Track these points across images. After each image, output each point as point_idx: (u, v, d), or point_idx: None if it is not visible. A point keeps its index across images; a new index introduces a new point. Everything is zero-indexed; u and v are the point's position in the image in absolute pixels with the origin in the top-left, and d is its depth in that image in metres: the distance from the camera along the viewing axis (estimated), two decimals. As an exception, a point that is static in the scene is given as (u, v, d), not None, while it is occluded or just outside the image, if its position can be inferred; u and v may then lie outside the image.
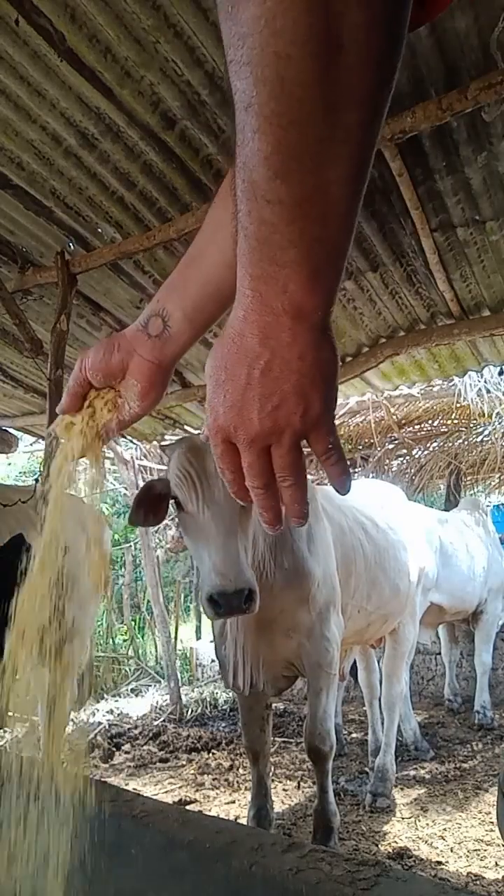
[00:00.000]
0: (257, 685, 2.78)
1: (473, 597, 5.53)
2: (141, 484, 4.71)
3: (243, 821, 3.13)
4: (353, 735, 5.35)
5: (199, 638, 8.17)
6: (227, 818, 2.37)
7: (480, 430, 7.10)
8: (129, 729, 5.55)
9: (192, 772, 4.57)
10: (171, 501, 2.35)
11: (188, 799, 4.03)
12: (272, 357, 0.58)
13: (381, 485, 4.56)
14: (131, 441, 5.76)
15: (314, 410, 0.60)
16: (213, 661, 6.73)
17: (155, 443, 5.54)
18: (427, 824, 3.54)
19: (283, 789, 4.08)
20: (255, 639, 2.73)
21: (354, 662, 5.22)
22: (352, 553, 3.23)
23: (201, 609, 3.11)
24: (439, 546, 5.19)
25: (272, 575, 2.72)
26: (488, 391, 6.13)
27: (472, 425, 7.06)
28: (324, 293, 0.56)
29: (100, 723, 5.67)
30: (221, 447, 0.67)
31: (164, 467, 2.58)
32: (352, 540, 3.26)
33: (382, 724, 4.29)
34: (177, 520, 2.92)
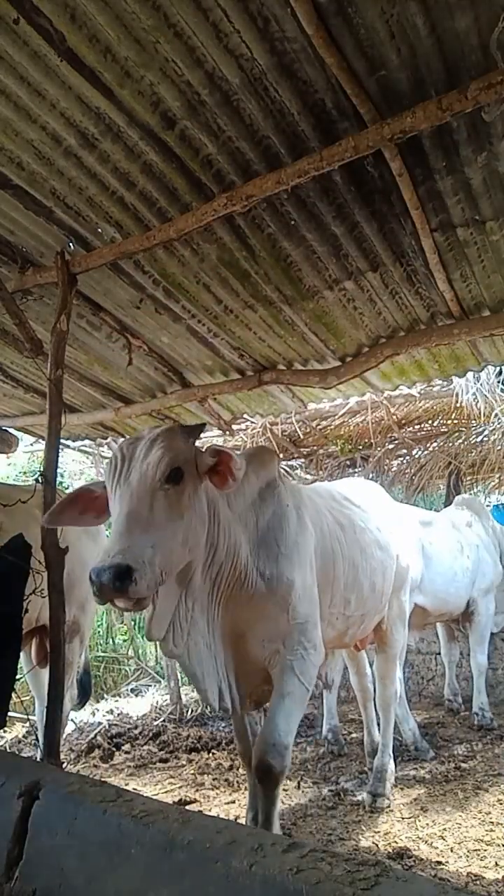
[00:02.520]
0: (239, 700, 2.62)
1: (457, 598, 5.48)
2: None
3: (243, 821, 3.13)
4: (353, 735, 5.35)
5: (199, 638, 8.16)
6: (227, 818, 2.37)
7: (480, 430, 7.10)
8: (129, 729, 5.55)
9: (192, 772, 4.57)
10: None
11: (188, 799, 4.04)
12: None
13: (361, 483, 4.54)
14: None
15: None
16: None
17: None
18: (427, 824, 3.54)
19: (283, 789, 4.07)
20: (232, 650, 2.59)
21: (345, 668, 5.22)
22: (331, 557, 3.12)
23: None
24: (422, 548, 5.18)
25: (253, 583, 2.60)
26: (485, 395, 6.12)
27: (471, 425, 7.06)
28: None
29: (100, 723, 5.67)
30: None
31: None
32: (331, 543, 3.17)
33: (378, 725, 4.28)
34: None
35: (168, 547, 2.12)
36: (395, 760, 4.15)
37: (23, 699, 3.91)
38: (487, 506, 6.58)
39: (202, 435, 2.70)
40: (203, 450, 2.43)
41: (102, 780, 2.65)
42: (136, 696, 6.99)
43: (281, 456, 7.86)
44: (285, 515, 2.83)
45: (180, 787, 4.26)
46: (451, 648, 6.17)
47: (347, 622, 3.32)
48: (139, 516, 2.08)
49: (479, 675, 5.58)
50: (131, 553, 1.95)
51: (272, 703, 2.65)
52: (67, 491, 3.19)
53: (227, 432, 5.34)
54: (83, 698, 4.71)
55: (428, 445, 7.71)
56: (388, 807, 3.79)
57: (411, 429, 7.46)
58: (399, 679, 4.95)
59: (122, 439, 2.35)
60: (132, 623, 8.27)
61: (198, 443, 2.58)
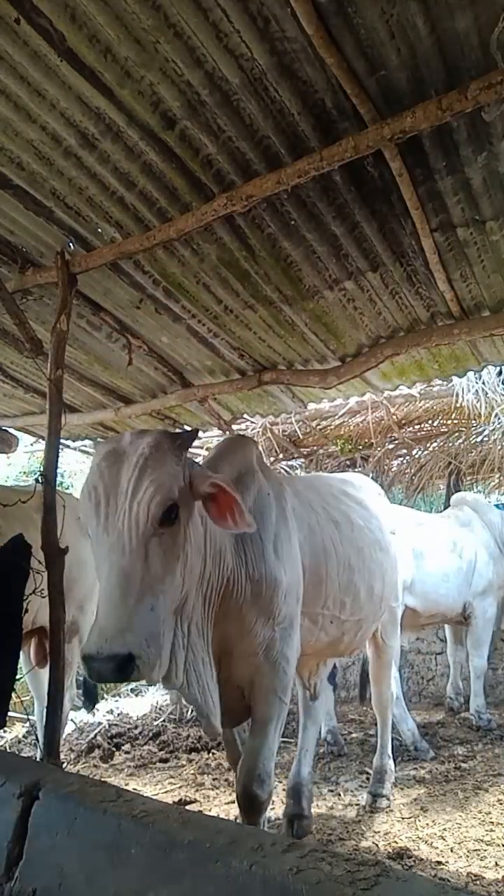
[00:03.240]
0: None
1: (449, 600, 5.41)
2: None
3: (241, 820, 3.13)
4: (353, 735, 5.35)
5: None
6: (227, 818, 2.37)
7: (480, 430, 7.09)
8: (129, 729, 5.55)
9: (192, 772, 4.57)
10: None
11: (188, 799, 4.04)
12: None
13: (359, 478, 4.29)
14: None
15: None
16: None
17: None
18: (427, 824, 3.54)
19: (283, 789, 4.07)
20: (218, 670, 2.34)
21: (334, 667, 5.17)
22: (322, 555, 2.89)
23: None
24: (412, 548, 5.17)
25: (242, 589, 2.36)
26: (486, 393, 6.12)
27: (471, 425, 7.05)
28: None
29: (100, 723, 5.67)
30: None
31: None
32: (323, 540, 2.93)
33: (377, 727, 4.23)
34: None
35: (169, 601, 1.90)
36: (394, 760, 4.15)
37: (23, 699, 3.91)
38: (495, 505, 6.44)
39: (203, 435, 2.60)
40: (199, 469, 2.14)
41: (102, 780, 2.66)
42: (136, 695, 6.99)
43: (280, 455, 7.85)
44: (266, 506, 2.59)
45: (180, 787, 4.26)
46: (457, 650, 6.10)
47: (342, 627, 3.09)
48: (133, 575, 1.78)
49: (477, 677, 5.57)
50: (132, 636, 1.70)
51: (254, 729, 2.46)
52: (68, 491, 3.19)
53: (227, 432, 5.34)
54: (91, 702, 4.72)
55: (428, 445, 7.71)
56: (388, 807, 3.79)
57: (411, 429, 7.46)
58: (396, 679, 4.94)
59: (101, 449, 2.02)
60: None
61: (197, 442, 2.53)
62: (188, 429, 3.61)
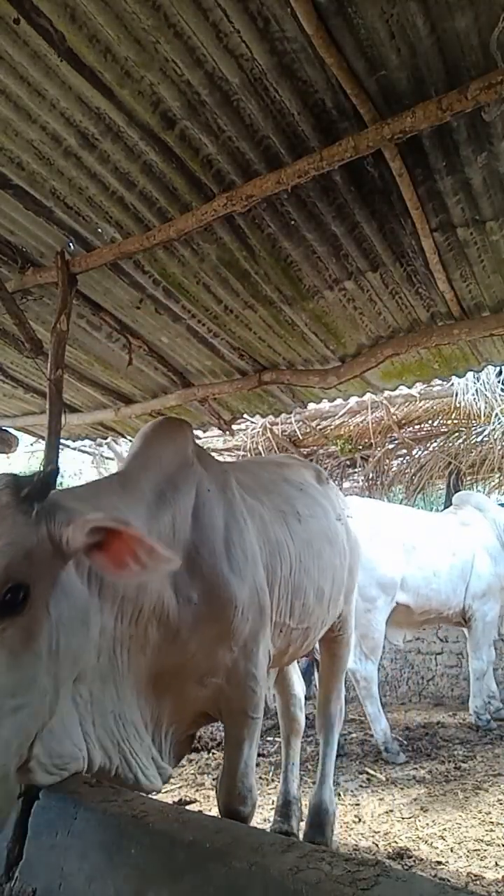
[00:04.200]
0: (173, 759, 2.01)
1: (441, 597, 5.35)
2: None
3: (243, 821, 3.13)
4: (353, 735, 5.35)
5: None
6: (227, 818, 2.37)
7: (480, 430, 7.10)
8: (129, 729, 5.54)
9: (192, 772, 4.58)
10: None
11: (188, 799, 4.04)
12: None
13: (294, 460, 3.72)
14: (131, 441, 5.77)
15: None
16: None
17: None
18: (427, 824, 3.54)
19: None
20: (157, 695, 1.95)
21: (311, 663, 5.04)
22: (276, 552, 2.46)
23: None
24: (404, 545, 5.15)
25: (176, 617, 1.92)
26: (485, 395, 6.12)
27: (471, 425, 7.06)
28: None
29: (100, 723, 5.66)
30: None
31: None
32: (276, 536, 2.50)
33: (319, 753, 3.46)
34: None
35: (37, 713, 1.41)
36: (366, 760, 4.08)
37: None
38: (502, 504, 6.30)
39: (203, 435, 2.37)
40: (65, 512, 1.52)
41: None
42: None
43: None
44: (208, 504, 2.13)
45: (180, 787, 4.26)
46: (473, 659, 5.85)
47: (289, 638, 2.61)
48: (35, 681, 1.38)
49: (476, 679, 5.57)
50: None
51: (228, 749, 2.20)
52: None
53: (227, 432, 5.34)
54: None
55: (428, 445, 7.73)
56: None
57: (411, 429, 7.47)
58: (373, 679, 4.91)
59: None
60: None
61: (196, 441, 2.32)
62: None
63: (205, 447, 2.41)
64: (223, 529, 2.13)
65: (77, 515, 1.49)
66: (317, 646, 3.43)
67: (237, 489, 2.39)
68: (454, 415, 6.93)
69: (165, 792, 4.17)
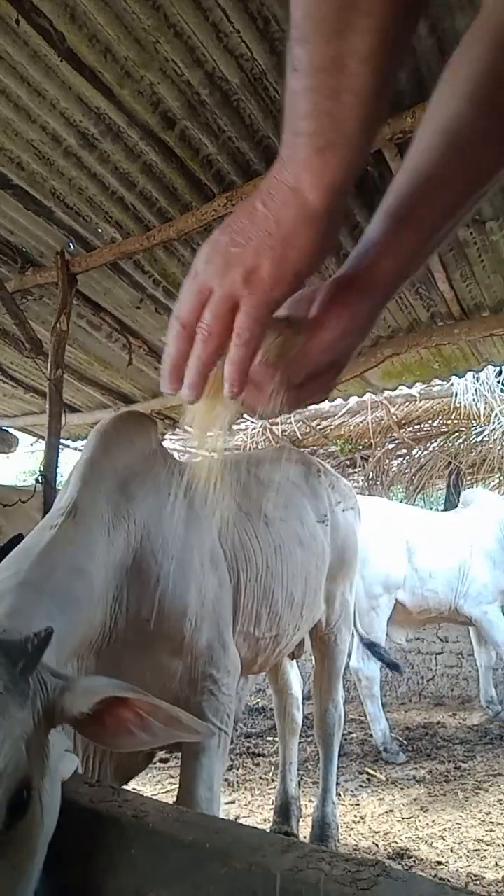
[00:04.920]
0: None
1: (439, 596, 5.30)
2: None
3: (243, 821, 3.13)
4: (353, 735, 5.35)
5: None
6: (227, 818, 2.37)
7: (480, 430, 7.11)
8: (129, 729, 5.54)
9: (192, 772, 4.56)
10: None
11: (188, 799, 4.02)
12: (256, 215, 0.59)
13: (274, 454, 3.41)
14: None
15: (258, 274, 0.59)
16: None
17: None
18: (427, 824, 3.54)
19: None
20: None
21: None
22: (242, 558, 2.33)
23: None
24: (405, 543, 5.15)
25: (121, 637, 1.70)
26: (485, 395, 6.12)
27: (471, 425, 7.06)
28: (324, 174, 0.55)
29: (100, 723, 5.66)
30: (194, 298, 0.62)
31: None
32: (241, 538, 2.36)
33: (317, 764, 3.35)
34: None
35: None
36: (366, 760, 4.06)
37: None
38: None
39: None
40: (64, 687, 1.21)
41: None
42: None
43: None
44: (168, 509, 1.95)
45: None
46: (481, 652, 5.83)
47: (256, 647, 2.46)
48: None
49: (487, 669, 5.60)
50: None
51: (184, 766, 1.90)
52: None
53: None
54: None
55: (428, 445, 7.73)
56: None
57: (411, 429, 7.47)
58: (375, 678, 4.90)
59: None
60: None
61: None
62: (190, 429, 2.70)
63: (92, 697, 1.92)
64: (182, 535, 1.96)
65: (76, 686, 1.22)
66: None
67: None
68: (454, 415, 6.94)
69: (165, 792, 4.17)
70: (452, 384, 6.21)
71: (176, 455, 2.53)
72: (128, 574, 1.72)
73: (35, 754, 1.17)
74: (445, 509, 7.33)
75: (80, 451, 7.34)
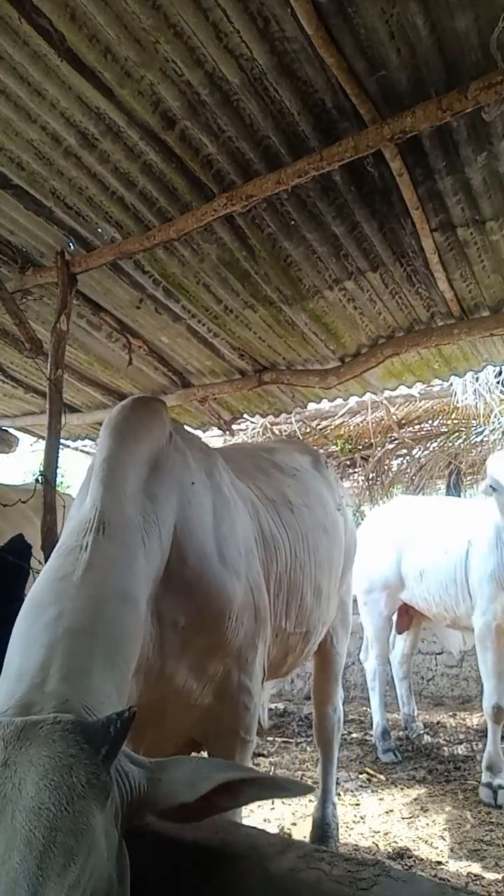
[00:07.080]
0: None
1: (436, 596, 5.21)
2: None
3: (244, 821, 3.13)
4: (353, 735, 5.35)
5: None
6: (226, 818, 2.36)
7: (480, 430, 7.11)
8: (129, 729, 5.54)
9: (192, 772, 4.57)
10: None
11: (188, 799, 4.03)
12: None
13: (286, 444, 3.45)
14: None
15: None
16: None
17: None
18: (427, 824, 3.54)
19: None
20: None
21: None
22: (272, 547, 2.17)
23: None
24: (399, 540, 5.12)
25: (159, 652, 1.56)
26: (484, 395, 6.12)
27: (471, 425, 7.07)
28: None
29: (100, 723, 5.65)
30: None
31: None
32: (269, 527, 2.20)
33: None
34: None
35: None
36: (366, 760, 4.08)
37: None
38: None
39: (203, 435, 2.04)
40: (152, 778, 1.06)
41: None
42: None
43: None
44: (194, 500, 1.78)
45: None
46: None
47: (287, 645, 2.31)
48: None
49: (488, 677, 5.52)
50: None
51: None
52: (67, 490, 3.15)
53: (227, 432, 5.34)
54: None
55: (428, 445, 7.73)
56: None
57: (411, 429, 7.48)
58: (377, 674, 4.89)
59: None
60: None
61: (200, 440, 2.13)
62: (189, 429, 2.64)
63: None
64: (212, 525, 1.80)
65: (170, 775, 1.05)
66: None
67: (225, 471, 2.06)
68: (454, 415, 6.94)
69: (165, 792, 4.17)
70: (452, 384, 6.21)
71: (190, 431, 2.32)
72: (161, 582, 1.55)
73: (122, 870, 1.00)
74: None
75: (79, 451, 7.31)
